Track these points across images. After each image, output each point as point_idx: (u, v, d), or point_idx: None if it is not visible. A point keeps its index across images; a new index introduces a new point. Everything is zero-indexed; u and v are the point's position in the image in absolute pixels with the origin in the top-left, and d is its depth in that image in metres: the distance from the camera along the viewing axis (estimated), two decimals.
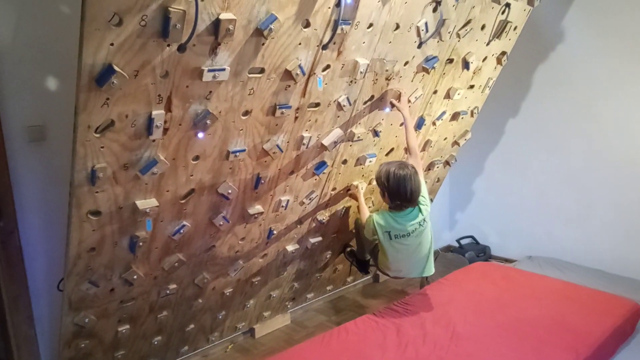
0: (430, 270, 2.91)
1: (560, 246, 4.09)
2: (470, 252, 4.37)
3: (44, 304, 2.53)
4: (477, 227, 4.66)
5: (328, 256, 3.43)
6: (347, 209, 3.22)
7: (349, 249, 3.41)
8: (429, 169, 3.65)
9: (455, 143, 3.66)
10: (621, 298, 2.98)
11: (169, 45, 1.65)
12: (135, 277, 2.30)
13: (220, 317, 3.02)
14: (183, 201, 2.22)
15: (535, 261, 3.98)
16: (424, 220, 2.79)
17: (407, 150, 2.84)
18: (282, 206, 2.71)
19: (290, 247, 3.04)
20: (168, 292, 2.55)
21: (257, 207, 2.57)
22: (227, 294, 2.92)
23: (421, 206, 2.78)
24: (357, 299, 3.93)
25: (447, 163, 3.80)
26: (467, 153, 4.36)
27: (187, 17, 1.60)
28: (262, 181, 2.46)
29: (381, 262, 2.94)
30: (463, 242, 4.56)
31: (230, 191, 2.33)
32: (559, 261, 3.97)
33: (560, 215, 4.08)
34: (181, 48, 1.68)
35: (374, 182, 3.17)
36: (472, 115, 3.53)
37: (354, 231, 3.35)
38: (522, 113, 4.19)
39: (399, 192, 2.64)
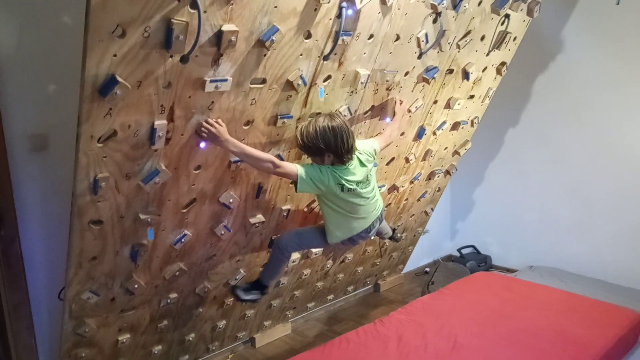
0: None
1: (562, 256, 4.08)
2: (471, 262, 4.36)
3: (44, 313, 2.53)
4: (478, 236, 4.65)
5: (329, 266, 3.43)
6: None
7: (239, 290, 2.60)
8: (430, 179, 3.66)
9: (456, 153, 3.66)
10: (624, 309, 2.97)
11: (171, 56, 1.67)
12: (136, 286, 2.30)
13: (220, 326, 3.02)
14: (185, 210, 2.23)
15: (536, 271, 3.98)
16: (369, 176, 2.49)
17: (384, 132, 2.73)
18: (284, 215, 2.72)
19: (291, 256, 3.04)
20: (169, 301, 2.55)
21: (259, 217, 2.58)
22: (228, 303, 2.92)
23: (360, 157, 2.44)
24: (358, 308, 3.92)
25: (447, 172, 3.81)
26: (468, 162, 4.37)
27: (189, 28, 1.61)
28: (264, 190, 2.47)
29: (333, 222, 2.51)
30: (464, 251, 4.56)
31: (231, 200, 2.34)
32: (561, 271, 3.96)
33: (562, 225, 4.08)
34: (184, 59, 1.69)
35: None
36: (472, 125, 3.54)
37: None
38: (522, 123, 4.20)
39: (343, 144, 2.24)
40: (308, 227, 2.82)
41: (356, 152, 2.40)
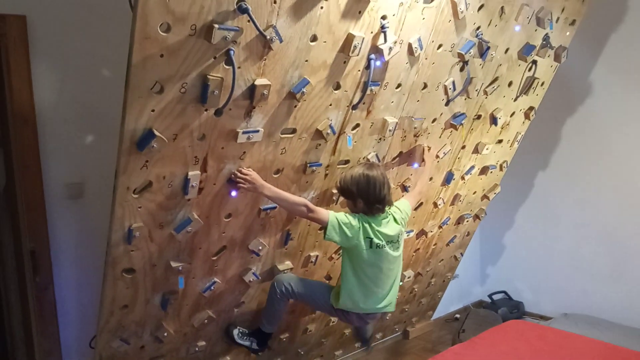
0: (393, 306, 2.57)
1: (597, 303, 3.94)
2: (503, 309, 4.23)
3: None
4: (509, 282, 4.53)
5: None
6: None
7: (236, 331, 2.58)
8: (459, 223, 3.61)
9: (485, 197, 3.62)
10: None
11: (206, 110, 1.72)
12: (165, 334, 2.30)
13: None
14: (215, 258, 2.24)
15: (571, 319, 3.84)
16: (400, 236, 2.46)
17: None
18: (311, 262, 2.71)
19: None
20: (197, 349, 2.54)
21: (287, 263, 2.58)
22: None
23: (395, 215, 2.45)
24: (386, 356, 3.83)
25: (476, 217, 3.76)
26: (497, 207, 4.30)
27: (224, 83, 1.67)
28: (292, 237, 2.48)
29: (347, 287, 2.41)
30: (495, 297, 4.43)
31: (260, 247, 2.35)
32: (596, 319, 3.81)
33: (596, 270, 3.96)
34: (218, 112, 1.75)
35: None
36: (501, 169, 3.51)
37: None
38: (552, 166, 4.15)
39: (374, 193, 2.28)
40: (319, 281, 2.76)
41: (392, 209, 2.43)
